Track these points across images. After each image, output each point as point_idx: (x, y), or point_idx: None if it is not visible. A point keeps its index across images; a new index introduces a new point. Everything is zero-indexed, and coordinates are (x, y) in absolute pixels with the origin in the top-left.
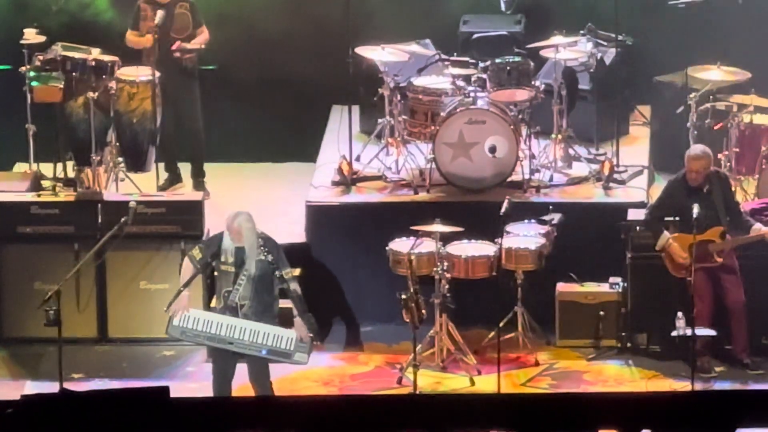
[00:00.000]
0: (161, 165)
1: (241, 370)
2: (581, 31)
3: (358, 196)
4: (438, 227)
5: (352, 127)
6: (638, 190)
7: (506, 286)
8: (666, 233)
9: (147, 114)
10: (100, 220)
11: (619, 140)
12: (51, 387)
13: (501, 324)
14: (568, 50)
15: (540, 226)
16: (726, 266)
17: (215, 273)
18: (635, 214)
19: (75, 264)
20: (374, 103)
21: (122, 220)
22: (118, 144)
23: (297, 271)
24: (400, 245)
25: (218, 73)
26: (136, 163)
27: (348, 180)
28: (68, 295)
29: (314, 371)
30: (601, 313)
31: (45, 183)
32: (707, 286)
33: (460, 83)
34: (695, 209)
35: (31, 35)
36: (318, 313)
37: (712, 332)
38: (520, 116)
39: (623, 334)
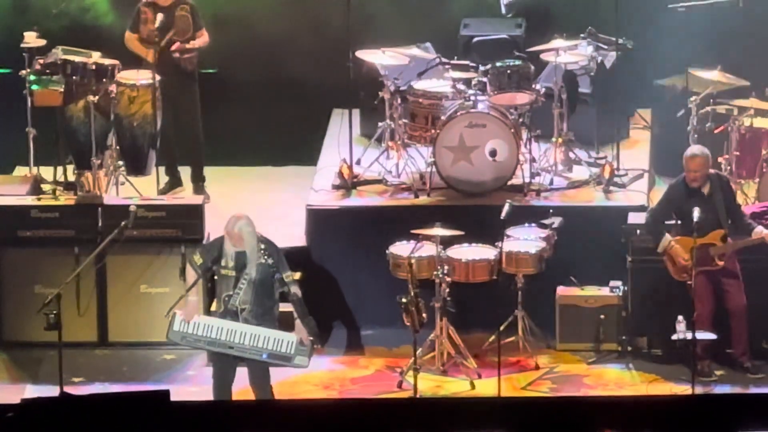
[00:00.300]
0: (161, 168)
1: (242, 373)
2: (582, 35)
3: (358, 199)
4: (438, 231)
5: (352, 131)
6: (639, 194)
7: (506, 290)
8: (667, 236)
9: (147, 117)
10: (100, 224)
11: (620, 144)
12: (51, 391)
13: (501, 327)
14: (569, 54)
15: (540, 229)
16: (727, 269)
17: (215, 277)
18: (636, 218)
19: (75, 268)
20: (375, 107)
21: (122, 223)
22: (118, 147)
23: (297, 275)
24: (401, 249)
25: (218, 77)
26: (137, 167)
27: (348, 183)
28: (68, 299)
29: (314, 375)
30: (602, 316)
31: (45, 187)
32: (708, 289)
33: (461, 87)
34: (696, 212)
35: (32, 39)
36: (318, 317)
37: (712, 336)
38: (520, 120)
39: (624, 337)
